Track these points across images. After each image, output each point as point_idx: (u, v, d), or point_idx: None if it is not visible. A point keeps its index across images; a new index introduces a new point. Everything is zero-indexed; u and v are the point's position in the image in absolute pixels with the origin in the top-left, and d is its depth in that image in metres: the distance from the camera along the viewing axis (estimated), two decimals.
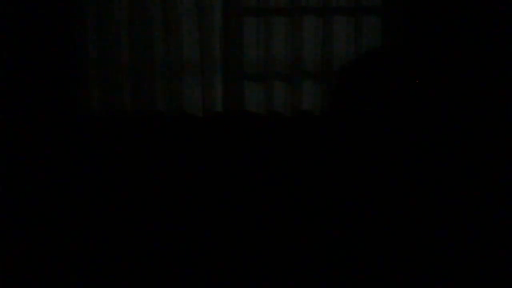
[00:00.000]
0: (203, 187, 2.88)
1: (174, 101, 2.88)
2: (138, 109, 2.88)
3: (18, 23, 2.79)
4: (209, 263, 2.77)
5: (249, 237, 2.84)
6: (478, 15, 2.84)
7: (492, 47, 2.85)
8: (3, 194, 2.82)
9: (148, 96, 2.87)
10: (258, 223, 2.86)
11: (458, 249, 2.78)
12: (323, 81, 2.88)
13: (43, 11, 2.80)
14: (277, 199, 2.88)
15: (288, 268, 2.74)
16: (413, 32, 2.86)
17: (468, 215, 2.84)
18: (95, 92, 2.86)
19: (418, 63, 2.82)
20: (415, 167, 2.84)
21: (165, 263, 2.77)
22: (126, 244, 2.82)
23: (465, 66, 2.87)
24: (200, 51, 2.87)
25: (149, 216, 2.86)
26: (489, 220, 2.83)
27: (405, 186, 2.84)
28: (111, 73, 2.85)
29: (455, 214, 2.83)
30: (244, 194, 2.88)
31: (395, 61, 2.83)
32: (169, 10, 2.83)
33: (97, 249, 2.80)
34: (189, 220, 2.86)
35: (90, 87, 2.85)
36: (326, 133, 2.87)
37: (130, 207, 2.86)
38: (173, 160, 2.89)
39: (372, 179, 2.85)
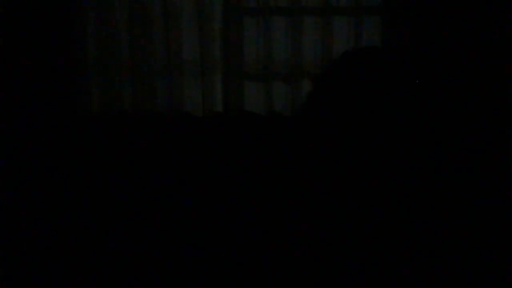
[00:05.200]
0: (203, 187, 2.88)
1: (174, 101, 2.88)
2: (138, 109, 2.88)
3: (18, 23, 2.80)
4: (209, 263, 2.77)
5: (249, 237, 2.84)
6: (478, 14, 2.84)
7: (493, 47, 2.85)
8: (3, 194, 2.82)
9: (148, 96, 2.87)
10: (258, 223, 2.86)
11: (457, 249, 2.78)
12: None
13: (43, 11, 2.80)
14: (277, 199, 2.88)
15: (287, 267, 2.74)
16: (413, 32, 2.86)
17: (460, 218, 2.84)
18: (95, 92, 2.87)
19: (412, 63, 2.82)
20: (417, 170, 2.84)
21: (165, 263, 2.77)
22: (126, 244, 2.82)
23: (464, 66, 2.87)
24: (200, 51, 2.87)
25: (149, 216, 2.86)
26: (489, 220, 2.83)
27: (408, 188, 2.84)
28: (111, 73, 2.85)
29: (435, 220, 2.83)
30: (244, 193, 2.88)
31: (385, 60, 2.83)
32: (169, 10, 2.83)
33: (96, 249, 2.80)
34: (188, 220, 2.86)
35: (90, 87, 2.86)
36: (325, 132, 2.88)
37: (130, 207, 2.86)
38: (173, 160, 2.89)
39: (375, 178, 2.85)
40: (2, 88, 2.82)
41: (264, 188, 2.89)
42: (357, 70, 2.88)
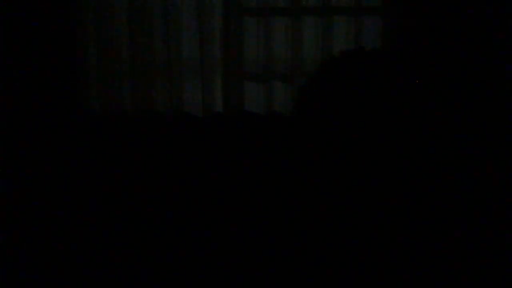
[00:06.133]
0: (203, 187, 2.88)
1: (174, 101, 2.88)
2: (138, 109, 2.88)
3: (18, 24, 2.80)
4: (209, 263, 2.77)
5: (249, 237, 2.84)
6: (478, 14, 2.84)
7: (493, 46, 2.85)
8: (4, 193, 2.82)
9: (148, 96, 2.87)
10: (258, 223, 2.86)
11: (457, 249, 2.78)
12: None
13: (43, 11, 2.80)
14: (277, 199, 2.88)
15: (287, 267, 2.74)
16: (413, 32, 2.86)
17: (458, 217, 2.84)
18: (95, 92, 2.87)
19: (408, 64, 2.82)
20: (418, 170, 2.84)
21: (165, 263, 2.77)
22: (126, 244, 2.82)
23: (465, 66, 2.87)
24: (200, 51, 2.87)
25: (149, 216, 2.86)
26: (489, 220, 2.83)
27: (409, 188, 2.84)
28: (111, 73, 2.85)
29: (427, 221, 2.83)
30: (244, 193, 2.88)
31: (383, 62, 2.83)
32: (169, 10, 2.84)
33: (96, 248, 2.80)
34: (188, 220, 2.86)
35: (90, 87, 2.86)
36: (326, 132, 2.87)
37: (129, 207, 2.86)
38: (173, 160, 2.89)
39: (375, 178, 2.85)
40: (2, 88, 2.82)
41: (264, 188, 2.88)
42: (356, 70, 2.88)
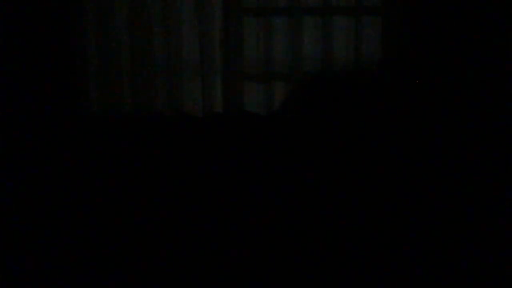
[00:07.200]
0: (203, 188, 2.88)
1: (174, 101, 2.88)
2: (138, 109, 2.88)
3: (18, 24, 2.80)
4: (208, 263, 2.77)
5: (249, 237, 2.84)
6: (478, 14, 2.84)
7: (493, 46, 2.85)
8: (3, 194, 2.82)
9: (148, 96, 2.87)
10: (258, 223, 2.86)
11: (457, 249, 2.78)
12: None
13: (43, 11, 2.80)
14: (277, 199, 2.88)
15: (287, 267, 2.74)
16: (413, 32, 2.86)
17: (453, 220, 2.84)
18: (95, 92, 2.87)
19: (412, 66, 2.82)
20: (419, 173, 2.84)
21: (165, 263, 2.77)
22: (125, 245, 2.82)
23: (464, 67, 2.87)
24: (200, 51, 2.87)
25: (149, 217, 2.86)
26: (489, 220, 2.83)
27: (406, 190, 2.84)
28: (111, 73, 2.85)
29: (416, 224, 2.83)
30: (244, 194, 2.88)
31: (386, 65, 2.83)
32: (169, 10, 2.84)
33: (95, 249, 2.80)
34: (188, 221, 2.86)
35: (90, 87, 2.86)
36: (326, 132, 2.87)
37: (129, 208, 2.86)
38: (173, 160, 2.89)
39: (375, 178, 2.85)
40: (2, 88, 2.82)
41: (264, 188, 2.88)
42: (356, 70, 2.88)
